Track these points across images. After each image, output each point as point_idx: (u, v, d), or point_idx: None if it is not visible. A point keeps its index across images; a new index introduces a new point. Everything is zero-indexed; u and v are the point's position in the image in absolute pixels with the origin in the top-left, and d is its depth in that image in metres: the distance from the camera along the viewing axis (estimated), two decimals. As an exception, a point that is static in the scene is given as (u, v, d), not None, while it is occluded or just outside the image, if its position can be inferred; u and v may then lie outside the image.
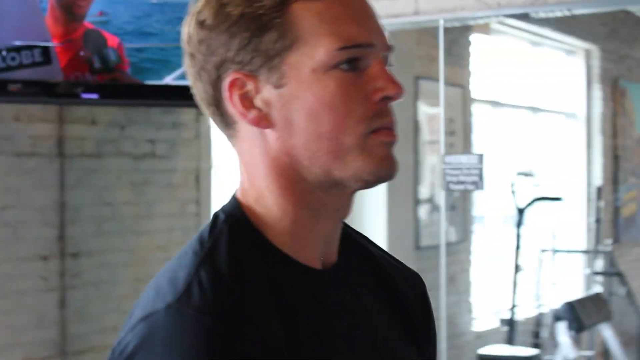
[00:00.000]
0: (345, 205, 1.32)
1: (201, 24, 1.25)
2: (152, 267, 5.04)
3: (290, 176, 1.26)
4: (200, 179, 5.28)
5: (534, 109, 8.39)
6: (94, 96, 4.10)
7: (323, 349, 1.23)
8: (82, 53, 3.96)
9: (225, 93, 1.24)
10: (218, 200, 5.36)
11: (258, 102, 1.23)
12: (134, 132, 4.95)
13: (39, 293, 4.46)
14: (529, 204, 7.05)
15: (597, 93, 8.89)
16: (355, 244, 1.41)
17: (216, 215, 1.28)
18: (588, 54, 8.85)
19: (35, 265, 4.42)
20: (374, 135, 1.23)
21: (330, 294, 1.31)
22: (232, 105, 1.24)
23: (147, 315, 1.14)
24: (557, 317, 6.04)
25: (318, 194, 1.27)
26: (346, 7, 1.23)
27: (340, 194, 1.29)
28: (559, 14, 4.96)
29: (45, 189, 4.61)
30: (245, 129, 1.27)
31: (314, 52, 1.21)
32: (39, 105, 4.39)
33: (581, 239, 8.67)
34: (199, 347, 1.10)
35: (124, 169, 4.92)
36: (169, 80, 4.13)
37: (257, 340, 1.15)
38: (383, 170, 1.25)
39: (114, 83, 4.11)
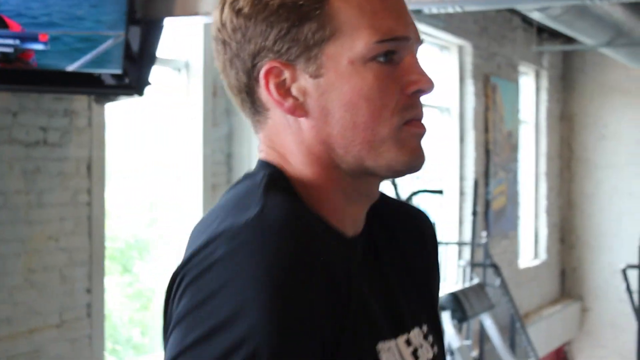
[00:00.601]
0: (374, 190, 1.36)
1: (237, 12, 1.26)
2: (44, 257, 4.99)
3: (324, 163, 1.29)
4: (92, 167, 5.23)
5: (410, 103, 8.50)
6: (-6, 82, 4.05)
7: (367, 313, 1.26)
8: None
9: (261, 81, 1.27)
10: (110, 190, 5.32)
11: (294, 90, 1.26)
12: (26, 119, 4.87)
13: None
14: (411, 196, 7.18)
15: (470, 88, 9.09)
16: (374, 212, 1.43)
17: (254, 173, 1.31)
18: (461, 50, 9.04)
19: None
20: (406, 127, 1.27)
21: (358, 257, 1.34)
22: (268, 93, 1.27)
23: (225, 231, 1.18)
24: (440, 307, 6.16)
25: (349, 181, 1.30)
26: (384, 1, 1.26)
27: (370, 181, 1.33)
28: (450, 10, 5.04)
29: None
30: (277, 116, 1.30)
31: (353, 44, 1.24)
32: None
33: (454, 231, 8.84)
34: (285, 254, 1.14)
35: (16, 157, 4.83)
36: (72, 68, 4.07)
37: (329, 252, 1.20)
38: (414, 161, 1.29)
39: (13, 69, 4.02)
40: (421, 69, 1.28)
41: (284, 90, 1.26)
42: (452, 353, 6.22)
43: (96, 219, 5.24)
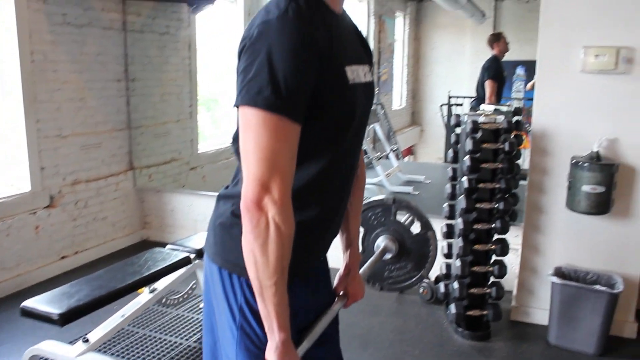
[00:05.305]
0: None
1: None
2: (169, 88, 4.90)
3: None
4: (190, 46, 5.09)
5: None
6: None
7: (340, 51, 1.21)
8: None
9: None
10: (199, 58, 5.20)
11: None
12: (159, 21, 4.71)
13: None
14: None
15: (372, 21, 8.84)
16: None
17: None
18: (369, 2, 8.75)
19: None
20: None
21: (342, 25, 1.28)
22: None
23: (264, 22, 1.11)
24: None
25: None
26: None
27: None
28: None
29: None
30: None
31: None
32: None
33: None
34: (292, 31, 1.09)
35: (154, 39, 4.69)
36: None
37: (318, 35, 1.13)
38: None
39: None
40: None
41: None
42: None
43: (192, 72, 5.13)
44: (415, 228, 1.89)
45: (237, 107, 1.10)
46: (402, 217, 2.00)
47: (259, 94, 1.06)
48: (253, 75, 1.08)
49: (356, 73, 1.24)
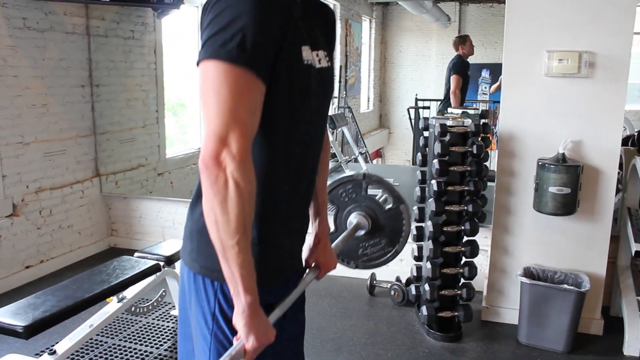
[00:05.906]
0: None
1: None
2: (134, 93, 4.81)
3: None
4: (156, 50, 5.02)
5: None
6: (108, -1, 3.85)
7: (297, 30, 1.17)
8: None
9: None
10: (165, 62, 5.14)
11: None
12: (124, 25, 4.63)
13: None
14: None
15: (339, 24, 8.86)
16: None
17: None
18: (335, 6, 8.76)
19: None
20: None
21: (300, 8, 1.22)
22: None
23: None
24: (324, 122, 6.12)
25: None
26: None
27: None
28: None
29: None
30: None
31: None
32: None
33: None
34: None
35: (119, 44, 4.62)
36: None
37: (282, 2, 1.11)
38: None
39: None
40: None
41: None
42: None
43: (159, 77, 5.05)
44: (388, 203, 1.88)
45: (199, 64, 1.06)
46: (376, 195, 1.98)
47: (222, 47, 1.03)
48: (217, 31, 1.05)
49: (312, 55, 1.21)
